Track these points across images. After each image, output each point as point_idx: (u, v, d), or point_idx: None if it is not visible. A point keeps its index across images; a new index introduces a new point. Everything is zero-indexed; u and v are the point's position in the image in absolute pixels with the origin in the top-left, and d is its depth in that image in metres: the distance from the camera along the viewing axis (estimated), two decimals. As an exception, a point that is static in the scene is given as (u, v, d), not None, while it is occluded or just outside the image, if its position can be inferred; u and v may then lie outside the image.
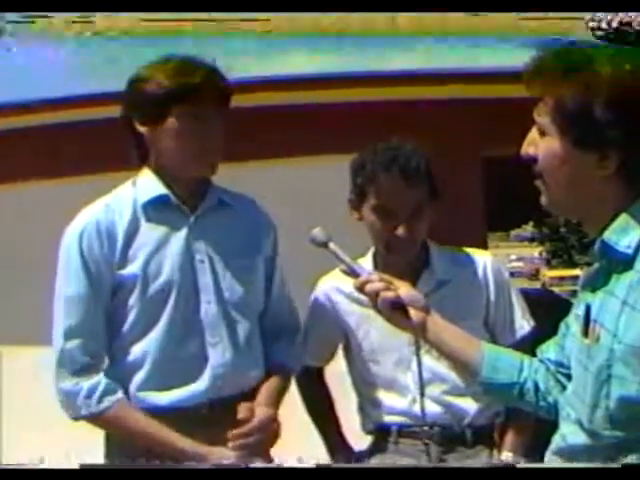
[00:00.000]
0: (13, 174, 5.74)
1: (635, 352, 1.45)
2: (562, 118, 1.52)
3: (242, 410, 2.10)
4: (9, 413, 4.44)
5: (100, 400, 2.05)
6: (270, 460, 2.12)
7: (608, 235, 1.52)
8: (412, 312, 1.78)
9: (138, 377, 2.08)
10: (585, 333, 1.55)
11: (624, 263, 1.50)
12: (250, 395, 2.17)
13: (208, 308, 2.11)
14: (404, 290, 1.80)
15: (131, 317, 2.08)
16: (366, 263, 2.38)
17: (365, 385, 2.40)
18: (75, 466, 1.86)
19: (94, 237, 2.07)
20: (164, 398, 2.08)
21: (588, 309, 1.55)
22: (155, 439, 2.04)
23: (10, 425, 4.31)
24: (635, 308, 1.45)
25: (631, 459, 1.48)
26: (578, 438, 1.56)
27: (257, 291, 2.21)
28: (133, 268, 2.07)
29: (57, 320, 2.09)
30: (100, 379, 2.07)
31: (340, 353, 2.50)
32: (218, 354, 2.11)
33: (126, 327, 2.09)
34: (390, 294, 1.78)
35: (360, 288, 1.81)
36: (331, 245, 1.86)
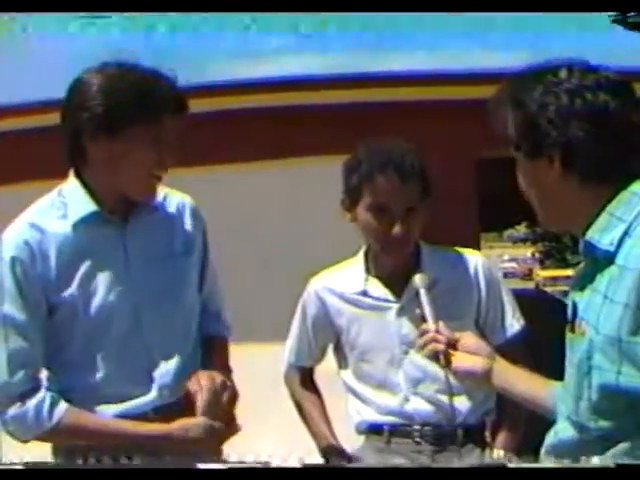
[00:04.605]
0: (14, 175, 5.72)
1: (612, 342, 1.49)
2: (516, 141, 1.62)
3: (192, 383, 2.06)
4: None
5: (51, 412, 1.99)
6: (235, 428, 2.11)
7: (590, 234, 1.58)
8: (478, 360, 1.84)
9: (84, 393, 2.04)
10: (572, 330, 1.60)
11: (607, 260, 1.55)
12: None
13: (148, 320, 2.08)
14: (468, 341, 1.87)
15: (74, 335, 2.04)
16: (357, 263, 2.39)
17: (356, 385, 2.40)
18: (75, 466, 1.87)
19: (27, 261, 2.01)
20: (111, 410, 2.05)
21: (575, 307, 1.61)
22: (112, 434, 2.01)
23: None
24: (613, 300, 1.50)
25: (619, 451, 1.52)
26: (568, 433, 1.60)
27: (193, 291, 2.19)
28: (71, 289, 2.02)
29: None
30: (44, 394, 2.01)
31: (330, 353, 2.51)
32: (162, 364, 2.08)
33: (69, 345, 2.05)
34: (459, 362, 1.85)
35: (423, 346, 1.88)
36: (421, 292, 1.99)
